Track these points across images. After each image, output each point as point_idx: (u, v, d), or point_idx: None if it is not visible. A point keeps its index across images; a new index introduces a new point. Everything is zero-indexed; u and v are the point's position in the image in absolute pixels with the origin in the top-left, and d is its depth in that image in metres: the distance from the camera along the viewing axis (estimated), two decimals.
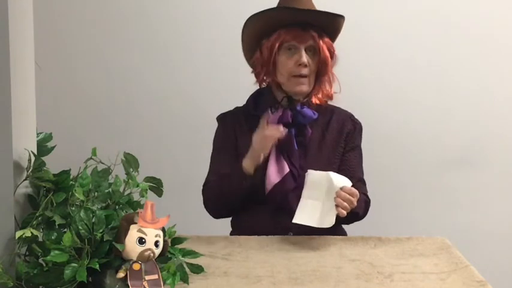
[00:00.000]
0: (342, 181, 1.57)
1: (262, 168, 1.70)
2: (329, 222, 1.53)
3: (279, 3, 1.77)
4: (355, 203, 1.56)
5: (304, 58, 1.69)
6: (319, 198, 1.57)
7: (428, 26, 2.50)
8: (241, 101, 1.86)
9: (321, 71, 1.74)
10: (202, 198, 1.81)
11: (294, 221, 1.58)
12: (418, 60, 2.52)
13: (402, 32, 2.51)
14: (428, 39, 2.51)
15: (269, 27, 1.72)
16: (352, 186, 1.60)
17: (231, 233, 1.84)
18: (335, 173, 1.60)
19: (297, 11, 1.69)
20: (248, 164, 1.67)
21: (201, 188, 1.83)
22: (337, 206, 1.53)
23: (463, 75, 2.54)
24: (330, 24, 1.72)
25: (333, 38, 1.77)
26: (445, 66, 2.53)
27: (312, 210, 1.57)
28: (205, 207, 1.81)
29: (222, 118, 1.86)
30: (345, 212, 1.53)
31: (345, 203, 1.53)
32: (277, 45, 1.71)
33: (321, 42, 1.71)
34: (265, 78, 1.81)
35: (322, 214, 1.56)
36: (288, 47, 1.72)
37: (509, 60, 2.55)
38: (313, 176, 1.60)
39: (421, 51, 2.52)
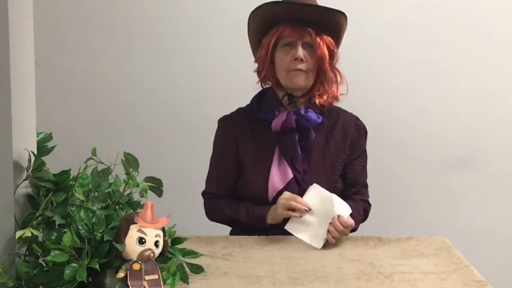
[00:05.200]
0: (341, 209, 1.59)
1: (264, 173, 1.70)
2: (317, 244, 1.55)
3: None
4: (348, 233, 1.59)
5: (300, 53, 1.68)
6: (317, 215, 1.58)
7: (429, 25, 2.50)
8: (241, 102, 1.85)
9: (320, 68, 1.71)
10: (203, 205, 1.82)
11: (286, 227, 1.60)
12: (418, 60, 2.52)
13: (403, 31, 2.50)
14: (429, 39, 2.50)
15: (268, 23, 1.71)
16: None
17: (231, 233, 1.84)
18: (338, 198, 1.61)
19: (292, 5, 1.68)
20: (269, 219, 1.66)
21: (201, 191, 1.84)
22: (328, 231, 1.55)
23: (463, 75, 2.54)
24: (329, 20, 1.69)
25: (336, 36, 1.74)
26: (446, 66, 2.53)
27: (306, 223, 1.59)
28: (208, 217, 1.82)
29: (224, 122, 1.83)
30: (334, 240, 1.55)
31: (337, 233, 1.55)
32: (273, 40, 1.70)
33: (317, 38, 1.68)
34: (265, 76, 1.78)
35: (314, 232, 1.57)
36: (285, 43, 1.71)
37: (510, 60, 2.55)
38: (316, 191, 1.61)
39: (422, 51, 2.51)
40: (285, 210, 1.60)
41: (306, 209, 1.59)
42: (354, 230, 1.68)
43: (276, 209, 1.63)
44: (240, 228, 1.77)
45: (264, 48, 1.73)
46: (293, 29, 1.68)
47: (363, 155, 1.81)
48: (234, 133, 1.79)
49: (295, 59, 1.68)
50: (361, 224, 1.75)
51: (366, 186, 1.82)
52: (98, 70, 2.53)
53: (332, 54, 1.73)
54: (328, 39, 1.71)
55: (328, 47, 1.71)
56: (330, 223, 1.55)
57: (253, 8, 1.72)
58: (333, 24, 1.70)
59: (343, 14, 1.70)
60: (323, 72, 1.72)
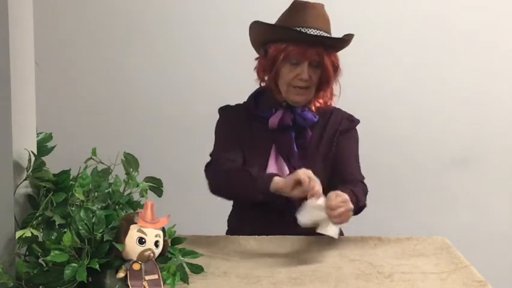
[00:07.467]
0: (322, 200, 1.52)
1: (261, 170, 1.70)
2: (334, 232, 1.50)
3: (288, 12, 1.71)
4: (351, 205, 1.50)
5: (306, 74, 1.67)
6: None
7: (428, 27, 2.50)
8: (238, 102, 1.86)
9: (323, 84, 1.72)
10: (205, 175, 1.74)
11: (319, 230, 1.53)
12: (418, 60, 2.52)
13: (403, 32, 2.51)
14: (429, 40, 2.51)
15: (276, 34, 1.69)
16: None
17: (227, 232, 1.84)
18: (309, 201, 1.53)
19: (296, 33, 1.64)
20: (275, 184, 1.57)
21: (204, 173, 1.74)
22: (337, 221, 1.49)
23: (463, 75, 2.54)
24: (340, 44, 1.71)
25: (341, 49, 1.74)
26: (445, 66, 2.53)
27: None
28: (209, 185, 1.73)
29: (225, 109, 1.83)
30: (342, 221, 1.49)
31: (342, 217, 1.47)
32: (281, 57, 1.68)
33: (325, 58, 1.68)
34: (268, 84, 1.77)
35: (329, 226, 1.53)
36: (292, 60, 1.68)
37: (510, 61, 2.55)
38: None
39: (422, 52, 2.52)
40: (296, 191, 1.52)
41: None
42: (363, 208, 1.67)
43: (287, 183, 1.54)
44: (242, 195, 1.69)
45: (271, 59, 1.71)
46: (302, 49, 1.66)
47: (352, 146, 1.78)
48: (235, 119, 1.79)
49: (300, 78, 1.68)
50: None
51: (358, 169, 1.77)
52: (98, 70, 2.53)
53: (336, 71, 1.73)
54: (335, 56, 1.71)
55: (333, 65, 1.70)
56: (331, 218, 1.49)
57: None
58: (342, 46, 1.71)
59: (352, 35, 1.70)
60: (327, 88, 1.74)
